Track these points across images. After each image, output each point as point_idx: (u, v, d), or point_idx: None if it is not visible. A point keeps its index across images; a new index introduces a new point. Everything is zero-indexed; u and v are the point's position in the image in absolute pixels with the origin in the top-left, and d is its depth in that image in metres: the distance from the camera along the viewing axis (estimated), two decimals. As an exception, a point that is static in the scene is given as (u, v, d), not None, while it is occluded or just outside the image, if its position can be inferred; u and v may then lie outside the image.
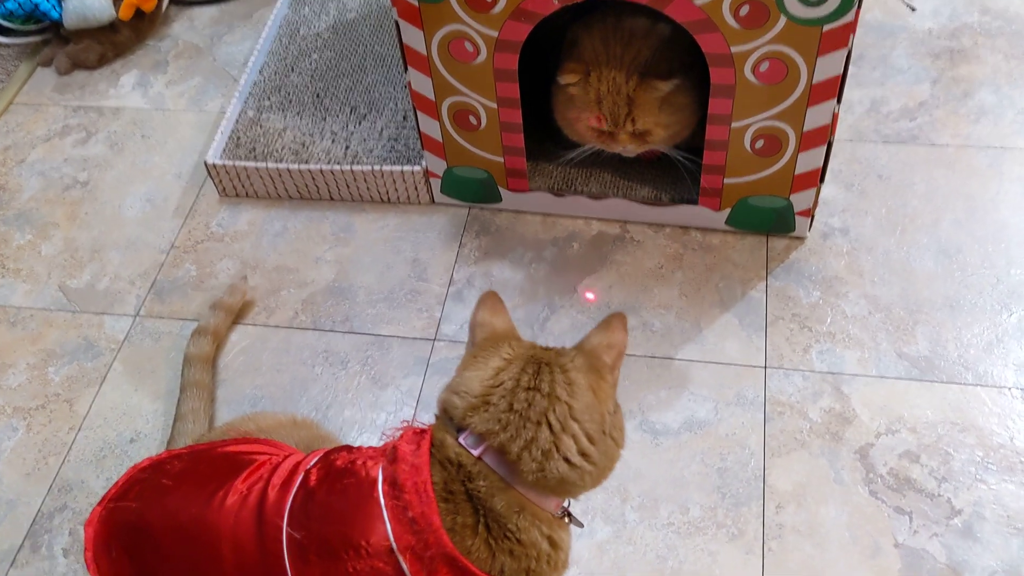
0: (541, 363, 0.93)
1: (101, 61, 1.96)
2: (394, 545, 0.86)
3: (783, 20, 1.22)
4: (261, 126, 1.70)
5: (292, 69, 1.80)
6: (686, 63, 1.37)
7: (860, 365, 1.37)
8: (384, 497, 0.87)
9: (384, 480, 0.89)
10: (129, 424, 1.41)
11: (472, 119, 1.46)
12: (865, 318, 1.43)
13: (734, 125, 1.36)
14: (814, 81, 1.28)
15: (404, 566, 0.86)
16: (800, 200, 1.46)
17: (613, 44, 1.38)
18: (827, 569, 1.20)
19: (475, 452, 0.90)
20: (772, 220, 1.50)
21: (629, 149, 1.45)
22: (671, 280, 1.50)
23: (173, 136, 1.82)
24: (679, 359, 1.40)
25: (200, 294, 1.56)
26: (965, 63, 1.76)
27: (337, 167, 1.60)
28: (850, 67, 1.26)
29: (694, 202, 1.51)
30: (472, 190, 1.59)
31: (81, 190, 1.74)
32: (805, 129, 1.34)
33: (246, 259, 1.60)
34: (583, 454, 0.91)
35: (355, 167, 1.59)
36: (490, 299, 0.99)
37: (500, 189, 1.57)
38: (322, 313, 1.51)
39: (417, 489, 0.86)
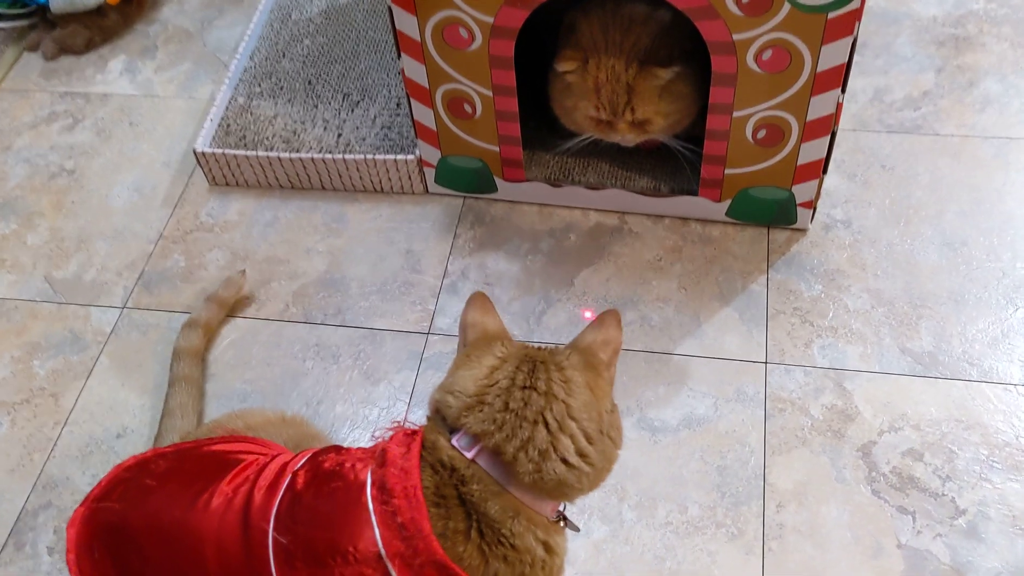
0: (536, 361, 0.91)
1: (88, 46, 1.92)
2: (383, 551, 0.83)
3: (787, 7, 1.18)
4: (251, 113, 1.67)
5: (283, 55, 1.77)
6: (687, 50, 1.33)
7: (863, 360, 1.35)
8: (372, 502, 0.85)
9: (373, 484, 0.86)
10: (116, 419, 1.38)
11: (467, 107, 1.43)
12: (868, 312, 1.40)
13: (735, 115, 1.33)
14: (818, 70, 1.24)
15: (393, 573, 0.83)
16: (802, 191, 1.43)
17: (612, 31, 1.35)
18: (828, 570, 1.17)
19: (469, 454, 0.87)
20: (773, 212, 1.47)
21: (628, 139, 1.42)
22: (670, 273, 1.47)
23: (162, 123, 1.78)
24: (678, 354, 1.37)
25: (189, 286, 1.53)
26: (970, 51, 1.73)
27: (329, 156, 1.56)
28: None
29: (694, 193, 1.48)
30: (467, 180, 1.56)
31: (68, 178, 1.71)
32: (808, 119, 1.31)
33: (236, 250, 1.56)
34: (581, 454, 0.88)
35: (347, 156, 1.56)
36: (479, 299, 0.97)
37: (496, 179, 1.54)
38: (313, 305, 1.48)
39: (406, 494, 0.84)
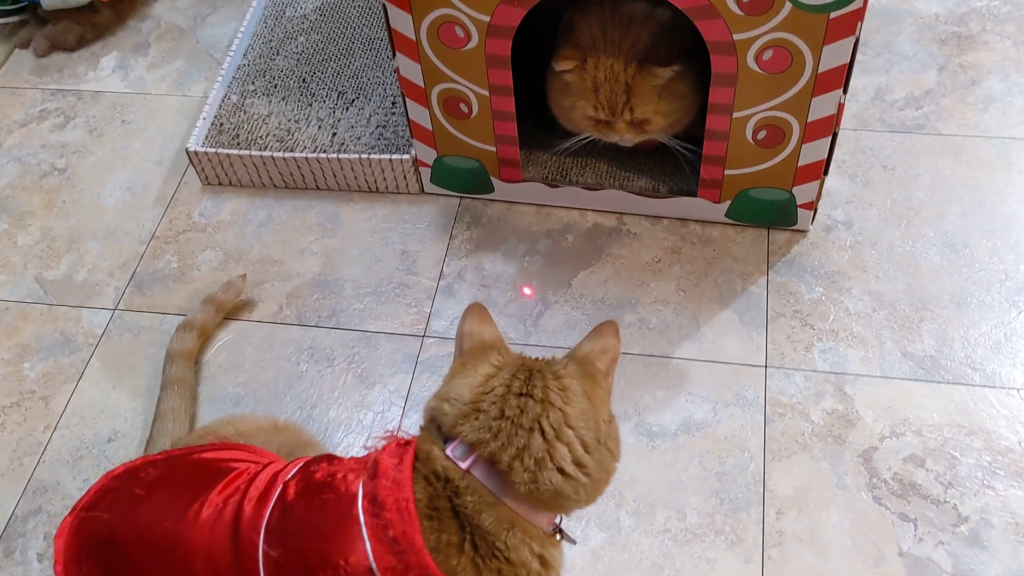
0: (533, 370, 0.90)
1: (80, 43, 1.90)
2: (373, 565, 0.82)
3: (788, 7, 1.16)
4: (245, 112, 1.65)
5: (278, 52, 1.74)
6: (686, 49, 1.31)
7: (864, 364, 1.33)
8: (364, 514, 0.83)
9: (364, 496, 0.84)
10: (107, 423, 1.36)
11: (463, 107, 1.41)
12: (869, 315, 1.38)
13: (735, 115, 1.31)
14: (819, 70, 1.23)
15: (385, 588, 0.82)
16: (803, 193, 1.41)
17: (611, 29, 1.33)
18: (828, 578, 1.16)
19: (463, 465, 0.86)
20: (773, 213, 1.45)
21: (627, 138, 1.40)
22: (669, 274, 1.45)
23: (154, 121, 1.76)
24: (677, 358, 1.36)
25: (181, 287, 1.51)
26: (973, 49, 1.71)
27: (323, 155, 1.54)
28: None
29: (693, 194, 1.46)
30: (463, 180, 1.54)
31: (59, 177, 1.69)
32: (809, 120, 1.29)
33: (229, 250, 1.54)
34: (578, 464, 0.87)
35: (342, 155, 1.54)
36: (476, 309, 0.95)
37: (492, 179, 1.52)
38: (307, 307, 1.46)
39: (399, 507, 0.82)
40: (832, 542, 1.18)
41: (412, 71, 1.38)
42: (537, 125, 1.49)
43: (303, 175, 1.58)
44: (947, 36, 1.73)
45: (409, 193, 1.59)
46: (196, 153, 1.58)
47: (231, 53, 1.74)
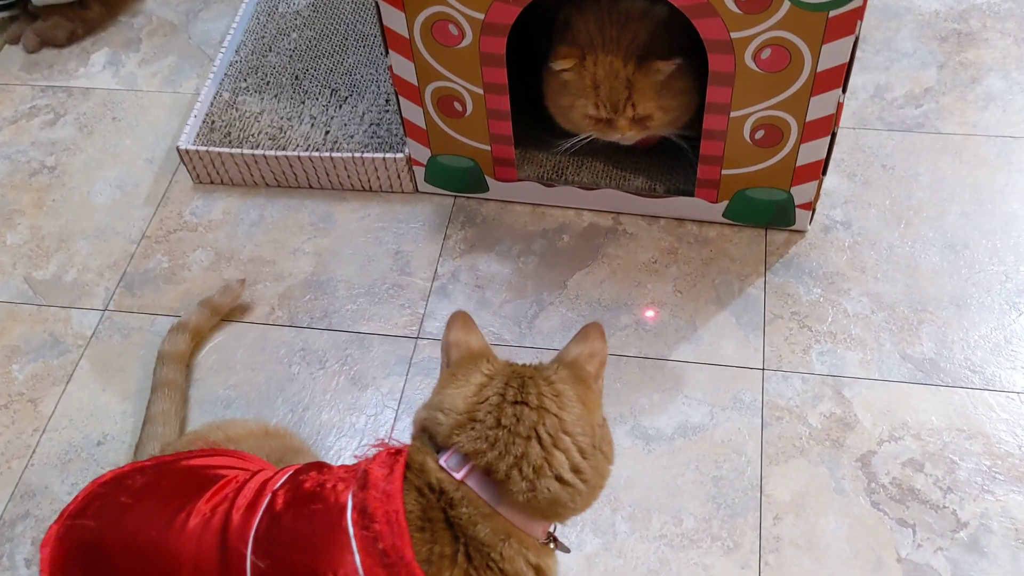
0: (524, 377, 0.89)
1: (71, 38, 1.88)
2: (364, 578, 0.80)
3: (787, 5, 1.14)
4: (237, 109, 1.63)
5: (270, 49, 1.72)
6: (684, 46, 1.30)
7: (862, 367, 1.31)
8: (353, 526, 0.81)
9: (354, 508, 0.82)
10: (96, 426, 1.35)
11: (457, 105, 1.39)
12: (867, 317, 1.36)
13: (733, 114, 1.29)
14: (818, 69, 1.21)
15: (375, 601, 0.80)
16: (801, 193, 1.39)
17: (609, 27, 1.31)
18: (826, 585, 1.14)
19: (458, 475, 0.84)
20: (771, 213, 1.44)
21: (628, 136, 1.38)
22: (665, 275, 1.43)
23: (145, 118, 1.74)
24: (673, 360, 1.34)
25: (172, 287, 1.49)
26: (973, 47, 1.69)
27: (316, 154, 1.52)
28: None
29: (690, 193, 1.45)
30: (457, 179, 1.52)
31: (48, 175, 1.66)
32: (808, 119, 1.28)
33: (221, 250, 1.52)
34: (575, 470, 0.86)
35: (335, 154, 1.52)
36: (460, 318, 0.94)
37: (487, 178, 1.50)
38: (300, 308, 1.44)
39: (388, 519, 0.80)
40: (830, 548, 1.17)
41: (405, 69, 1.36)
42: (533, 123, 1.47)
43: (296, 174, 1.56)
44: (947, 33, 1.71)
45: (403, 192, 1.57)
46: (187, 151, 1.56)
47: (223, 49, 1.72)
